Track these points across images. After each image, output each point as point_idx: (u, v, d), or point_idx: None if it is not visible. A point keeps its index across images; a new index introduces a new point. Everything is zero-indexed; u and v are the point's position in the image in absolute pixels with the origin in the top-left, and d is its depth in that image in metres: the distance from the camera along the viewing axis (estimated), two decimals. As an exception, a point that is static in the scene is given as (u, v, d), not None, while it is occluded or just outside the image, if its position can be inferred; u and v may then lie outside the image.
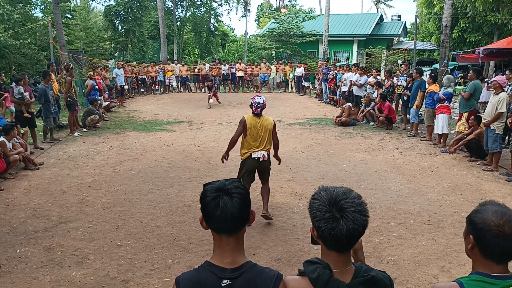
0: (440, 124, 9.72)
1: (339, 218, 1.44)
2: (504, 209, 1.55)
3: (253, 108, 5.43)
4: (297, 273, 1.53)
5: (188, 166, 8.23)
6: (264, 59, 24.45)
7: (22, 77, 9.99)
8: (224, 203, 1.49)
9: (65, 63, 13.71)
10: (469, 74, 9.80)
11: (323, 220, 1.46)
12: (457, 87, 16.18)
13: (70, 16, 28.09)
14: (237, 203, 1.51)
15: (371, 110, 12.96)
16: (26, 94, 9.93)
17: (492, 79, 8.38)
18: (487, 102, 8.84)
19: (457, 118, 10.39)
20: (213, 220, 1.52)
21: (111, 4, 30.00)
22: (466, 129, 9.21)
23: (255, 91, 23.14)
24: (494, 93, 8.04)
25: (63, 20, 20.92)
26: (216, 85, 18.56)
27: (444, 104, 9.79)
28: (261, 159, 5.45)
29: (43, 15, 26.54)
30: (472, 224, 1.58)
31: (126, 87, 18.52)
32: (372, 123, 12.82)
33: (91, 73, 14.64)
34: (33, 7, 25.82)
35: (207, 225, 1.57)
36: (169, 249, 4.76)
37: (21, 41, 19.23)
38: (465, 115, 9.33)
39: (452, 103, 10.64)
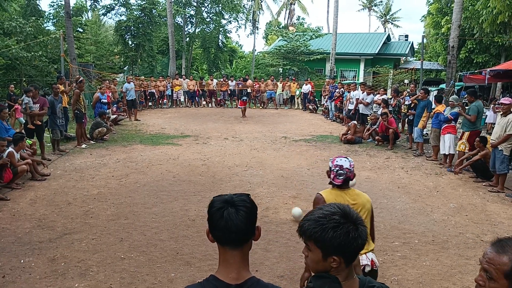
0: (447, 144, 9.70)
1: (357, 237, 1.50)
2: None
3: (332, 176, 3.25)
4: None
5: (193, 180, 8.25)
6: (272, 76, 24.67)
7: (29, 89, 10.17)
8: (229, 214, 1.53)
9: (77, 76, 13.91)
10: (467, 97, 9.83)
11: (347, 245, 1.49)
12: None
13: (82, 30, 28.60)
14: (242, 216, 1.53)
15: (377, 129, 12.97)
16: (35, 106, 10.06)
17: (500, 101, 8.38)
18: (494, 123, 8.85)
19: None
20: (217, 230, 1.55)
21: (122, 19, 30.50)
22: (467, 148, 9.23)
23: (261, 107, 23.32)
24: (501, 114, 8.04)
25: (74, 34, 21.27)
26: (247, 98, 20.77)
27: (451, 124, 9.79)
28: (367, 269, 3.22)
29: (55, 28, 27.05)
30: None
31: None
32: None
33: (103, 86, 14.81)
34: (45, 21, 26.37)
35: (212, 236, 1.59)
36: (172, 263, 4.76)
37: (32, 53, 19.57)
38: (466, 134, 9.35)
39: (458, 123, 10.65)
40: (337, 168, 3.19)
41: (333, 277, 1.49)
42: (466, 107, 10.04)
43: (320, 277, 1.50)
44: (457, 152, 9.55)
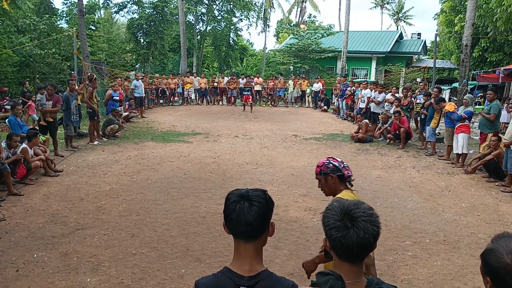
0: (460, 143, 9.58)
1: (350, 226, 1.49)
2: None
3: (346, 172, 2.84)
4: (309, 284, 1.56)
5: (204, 178, 8.29)
6: (279, 74, 24.60)
7: (41, 86, 10.48)
8: (241, 208, 1.57)
9: (89, 74, 14.03)
10: (489, 95, 9.65)
11: (334, 229, 1.51)
12: (477, 106, 16.00)
13: (94, 28, 28.84)
14: (254, 211, 1.56)
15: (388, 127, 12.89)
16: (47, 103, 10.20)
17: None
18: (508, 122, 8.71)
19: (477, 137, 10.21)
20: (229, 223, 1.61)
21: (134, 17, 30.71)
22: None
23: (271, 105, 23.32)
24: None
25: (87, 32, 21.46)
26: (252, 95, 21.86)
27: (465, 123, 9.66)
28: None
29: (68, 26, 27.29)
30: (488, 266, 1.51)
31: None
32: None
33: (115, 83, 14.92)
34: (58, 18, 26.63)
35: (226, 228, 1.64)
36: (182, 259, 4.79)
37: (45, 50, 19.78)
38: (489, 136, 9.14)
39: (472, 123, 10.50)
40: (344, 164, 2.88)
41: (337, 275, 1.50)
42: (481, 106, 9.86)
43: (325, 274, 1.51)
44: (472, 152, 9.40)
